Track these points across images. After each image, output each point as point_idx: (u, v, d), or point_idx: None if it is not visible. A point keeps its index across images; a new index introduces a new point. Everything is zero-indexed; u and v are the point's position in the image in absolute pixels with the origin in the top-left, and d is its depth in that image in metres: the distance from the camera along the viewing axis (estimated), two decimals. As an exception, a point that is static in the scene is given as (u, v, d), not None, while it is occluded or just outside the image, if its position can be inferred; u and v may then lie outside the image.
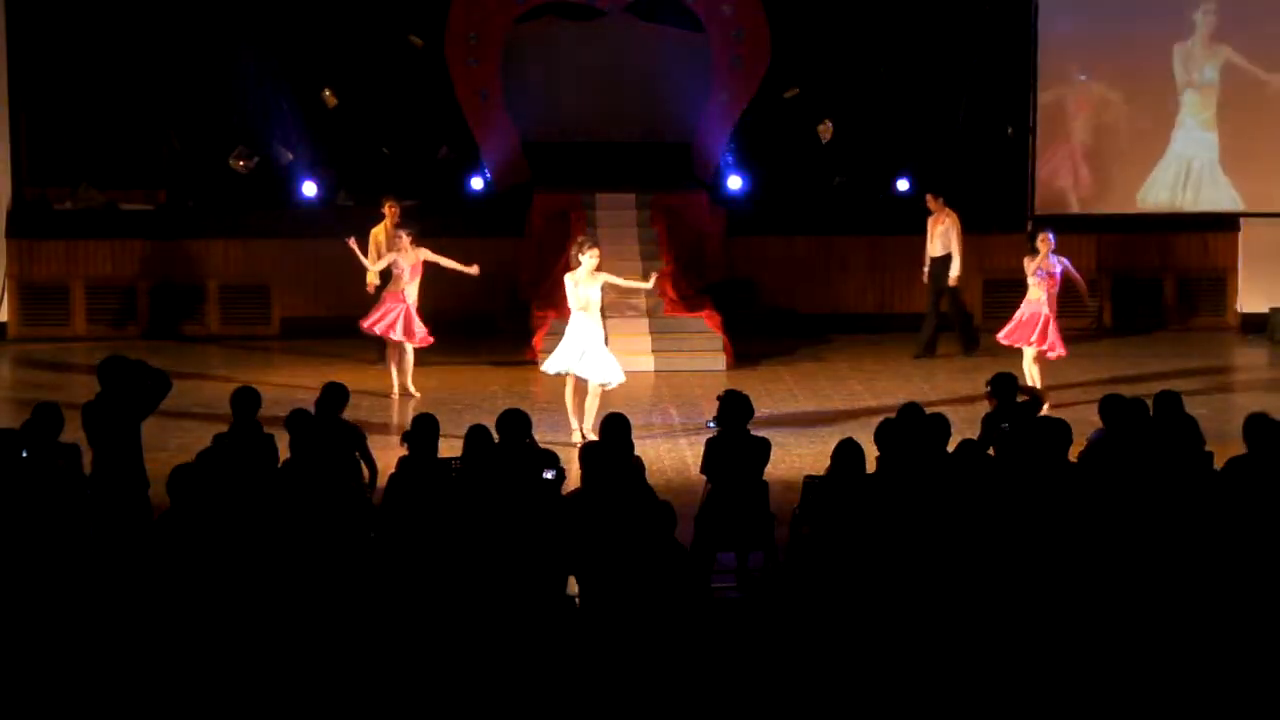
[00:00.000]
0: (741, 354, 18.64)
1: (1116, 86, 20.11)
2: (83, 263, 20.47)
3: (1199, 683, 8.08)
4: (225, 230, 20.55)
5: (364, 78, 20.63)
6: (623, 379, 14.96)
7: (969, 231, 20.32)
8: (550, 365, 14.99)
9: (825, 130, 20.78)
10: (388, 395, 16.66)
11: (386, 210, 17.80)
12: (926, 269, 18.96)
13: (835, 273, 20.79)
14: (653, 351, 18.54)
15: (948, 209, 18.80)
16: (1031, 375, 16.11)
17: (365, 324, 16.94)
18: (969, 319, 19.35)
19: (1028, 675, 8.11)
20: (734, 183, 20.69)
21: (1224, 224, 20.83)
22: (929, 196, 18.97)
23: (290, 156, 20.63)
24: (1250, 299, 20.77)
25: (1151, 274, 20.99)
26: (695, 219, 20.53)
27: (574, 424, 14.83)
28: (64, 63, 20.58)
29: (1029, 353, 16.24)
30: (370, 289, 17.50)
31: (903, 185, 20.95)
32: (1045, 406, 12.78)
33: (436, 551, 9.20)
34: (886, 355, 19.03)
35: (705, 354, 18.52)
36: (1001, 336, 16.60)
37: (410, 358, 16.85)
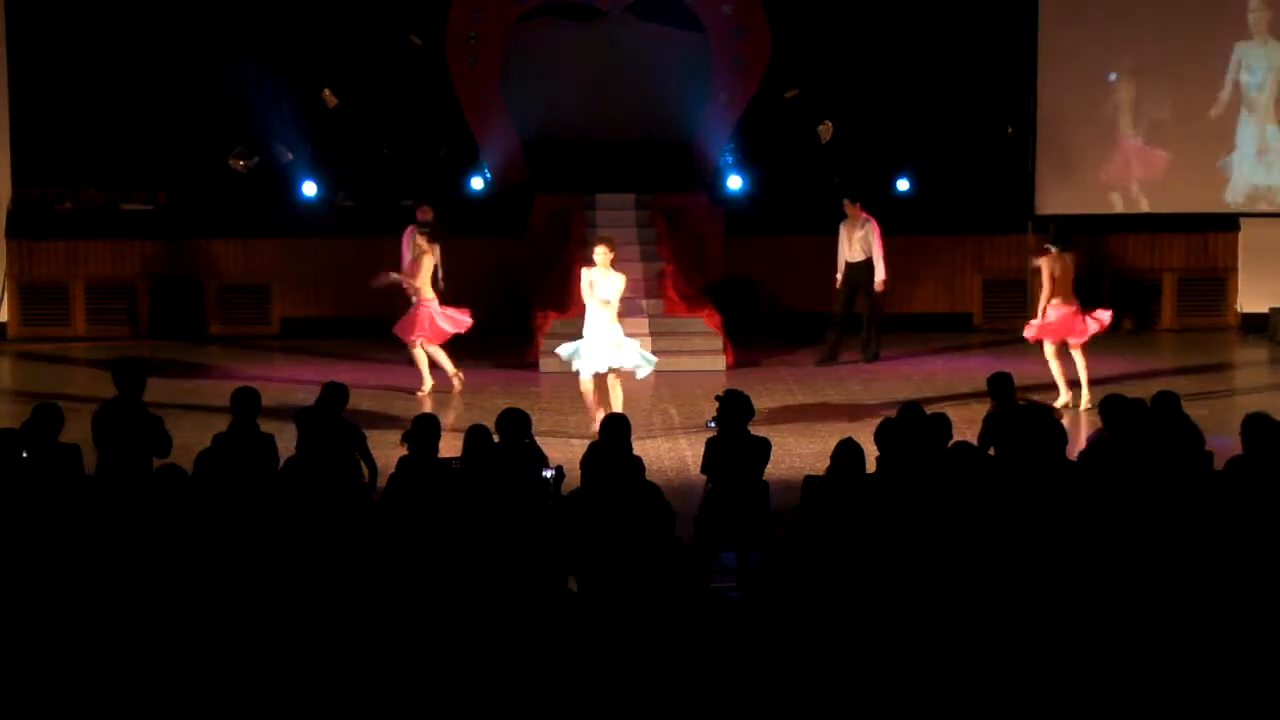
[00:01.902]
0: (741, 354, 18.64)
1: (1163, 88, 20.03)
2: (83, 262, 20.48)
3: (1198, 682, 8.08)
4: (225, 230, 20.56)
5: (364, 78, 20.62)
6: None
7: (970, 232, 20.36)
8: (583, 367, 14.86)
9: (825, 130, 20.77)
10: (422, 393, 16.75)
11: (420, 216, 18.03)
12: (841, 274, 18.63)
13: (835, 273, 20.76)
14: (653, 351, 18.51)
15: (866, 214, 18.55)
16: (1064, 369, 16.14)
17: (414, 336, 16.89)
18: (879, 328, 19.00)
19: (1028, 674, 8.11)
20: (734, 183, 20.68)
21: (1224, 224, 20.83)
22: (846, 201, 18.66)
23: (290, 156, 20.62)
24: (1250, 299, 20.77)
25: (1151, 274, 20.99)
26: (695, 219, 20.52)
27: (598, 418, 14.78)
28: (64, 62, 20.58)
29: (1050, 348, 16.19)
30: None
31: (903, 185, 20.95)
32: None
33: (436, 551, 9.20)
34: (886, 355, 19.00)
35: (705, 354, 18.52)
36: (1030, 334, 16.34)
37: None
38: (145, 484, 10.70)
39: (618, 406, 14.38)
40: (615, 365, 14.81)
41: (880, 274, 18.52)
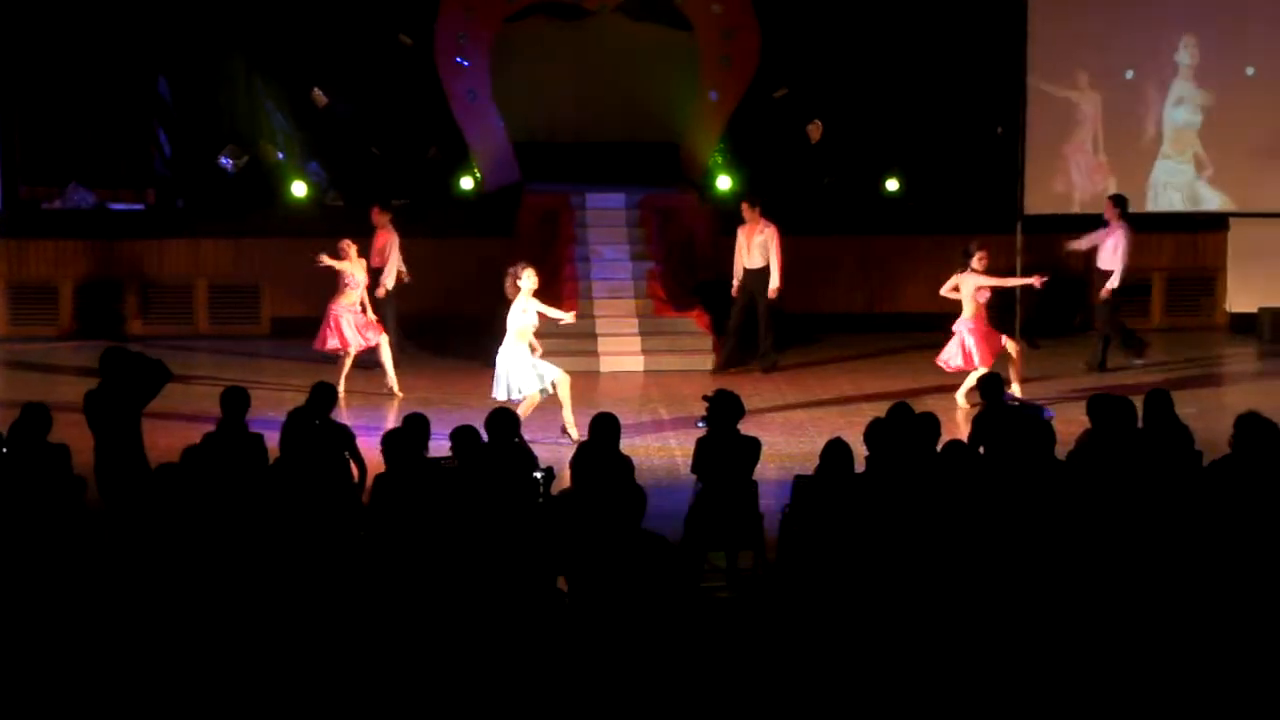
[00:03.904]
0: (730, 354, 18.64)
1: (1120, 81, 20.05)
2: (71, 262, 20.44)
3: (1187, 679, 8.09)
4: (215, 230, 20.53)
5: (354, 77, 20.61)
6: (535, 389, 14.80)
7: (959, 232, 20.32)
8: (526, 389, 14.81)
9: (814, 130, 20.77)
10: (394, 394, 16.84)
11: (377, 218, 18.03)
12: (738, 281, 18.23)
13: (824, 273, 20.78)
14: (642, 351, 18.55)
15: (765, 219, 18.14)
16: (1014, 376, 16.18)
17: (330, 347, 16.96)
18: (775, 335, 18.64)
19: (1017, 672, 8.12)
20: (723, 182, 20.68)
21: (1213, 224, 20.86)
22: (745, 205, 18.24)
23: (280, 155, 20.60)
24: (1239, 299, 20.80)
25: (1140, 274, 20.98)
26: (685, 218, 20.52)
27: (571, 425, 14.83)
28: (52, 62, 20.56)
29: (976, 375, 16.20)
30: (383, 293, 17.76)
31: (892, 185, 20.96)
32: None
33: (425, 550, 9.19)
34: (875, 355, 19.03)
35: (694, 354, 18.52)
36: (979, 362, 16.09)
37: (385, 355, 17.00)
38: (143, 466, 10.81)
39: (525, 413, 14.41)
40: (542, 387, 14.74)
41: (775, 281, 18.03)
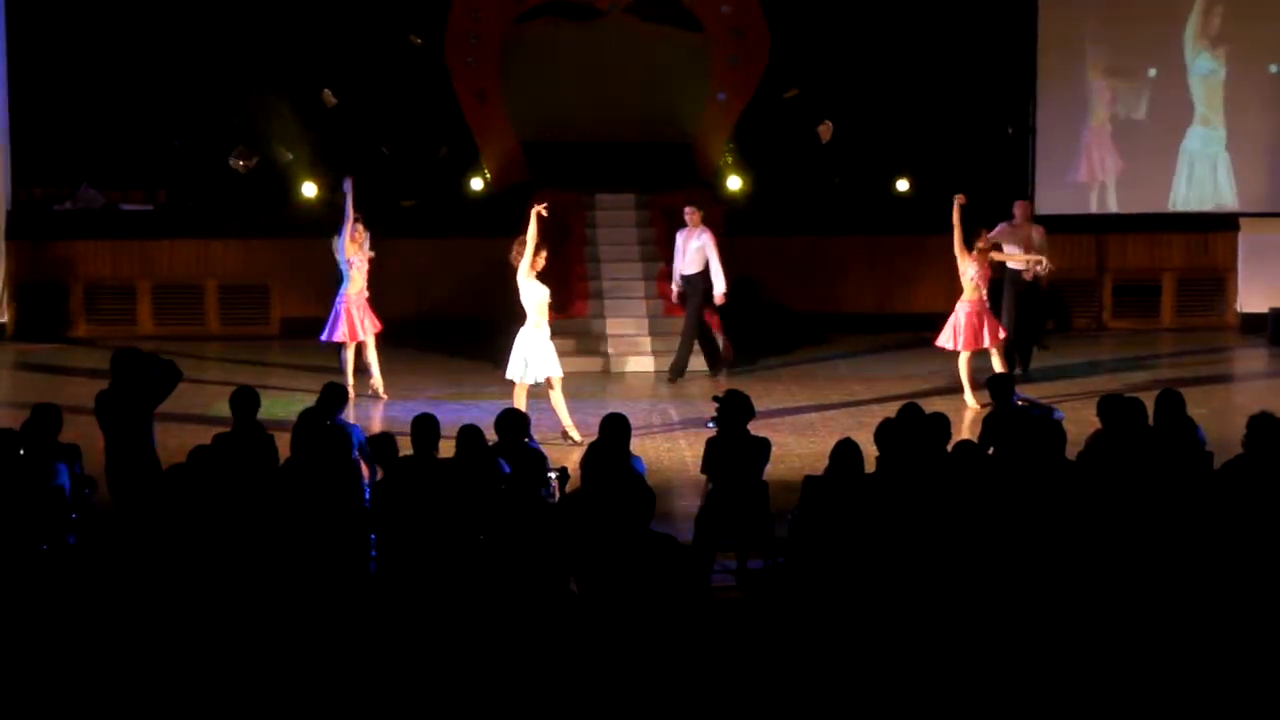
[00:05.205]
0: (740, 354, 18.63)
1: (1129, 80, 20.08)
2: (82, 263, 20.47)
3: (1196, 680, 8.08)
4: (225, 230, 20.56)
5: (364, 77, 20.62)
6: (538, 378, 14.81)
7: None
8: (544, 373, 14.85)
9: (825, 130, 20.76)
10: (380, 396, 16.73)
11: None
12: (677, 288, 17.98)
13: (834, 272, 20.77)
14: (652, 352, 18.55)
15: (704, 224, 17.82)
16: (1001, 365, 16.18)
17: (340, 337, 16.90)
18: (715, 340, 18.50)
19: (1027, 673, 8.11)
20: (733, 183, 20.67)
21: (1223, 224, 20.83)
22: (688, 209, 17.90)
23: (290, 156, 20.62)
24: (1250, 299, 20.77)
25: (1151, 274, 21.00)
26: (694, 219, 20.52)
27: (569, 424, 14.84)
28: (63, 62, 20.59)
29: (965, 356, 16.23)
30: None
31: (902, 185, 20.95)
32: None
33: (436, 551, 9.19)
34: (885, 355, 19.02)
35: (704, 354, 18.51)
36: (960, 345, 16.28)
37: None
38: (154, 466, 10.83)
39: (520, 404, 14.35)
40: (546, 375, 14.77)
41: (721, 286, 17.64)
